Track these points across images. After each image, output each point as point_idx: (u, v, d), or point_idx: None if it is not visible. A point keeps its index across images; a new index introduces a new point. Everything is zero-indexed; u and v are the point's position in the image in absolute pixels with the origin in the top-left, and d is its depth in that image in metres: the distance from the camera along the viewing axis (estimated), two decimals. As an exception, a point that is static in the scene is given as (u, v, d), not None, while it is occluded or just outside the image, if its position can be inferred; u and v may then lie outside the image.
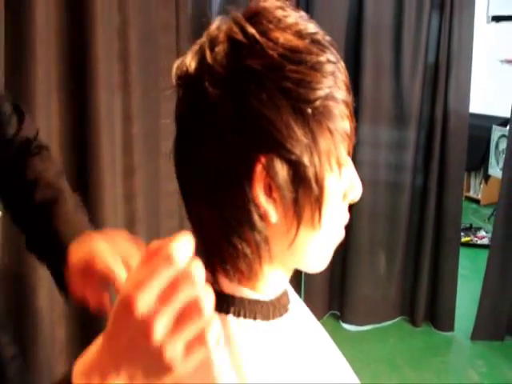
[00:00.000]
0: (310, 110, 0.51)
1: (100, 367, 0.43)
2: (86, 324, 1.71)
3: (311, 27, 0.54)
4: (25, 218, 0.90)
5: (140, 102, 1.89)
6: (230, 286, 0.57)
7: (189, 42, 2.07)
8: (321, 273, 0.61)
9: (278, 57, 0.51)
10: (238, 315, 0.57)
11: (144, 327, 0.40)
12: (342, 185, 0.57)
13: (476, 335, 2.69)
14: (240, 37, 0.52)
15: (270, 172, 0.52)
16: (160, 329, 0.40)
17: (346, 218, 0.60)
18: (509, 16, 4.83)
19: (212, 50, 0.53)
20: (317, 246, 0.58)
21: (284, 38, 0.52)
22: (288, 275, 0.62)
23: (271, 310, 0.59)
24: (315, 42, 0.53)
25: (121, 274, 0.74)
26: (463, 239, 3.68)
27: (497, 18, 4.97)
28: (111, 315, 0.42)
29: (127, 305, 0.40)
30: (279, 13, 0.54)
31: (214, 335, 0.41)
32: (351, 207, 0.59)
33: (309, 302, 1.68)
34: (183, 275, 0.40)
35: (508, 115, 2.95)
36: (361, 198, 0.61)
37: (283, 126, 0.51)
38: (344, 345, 0.77)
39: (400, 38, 2.59)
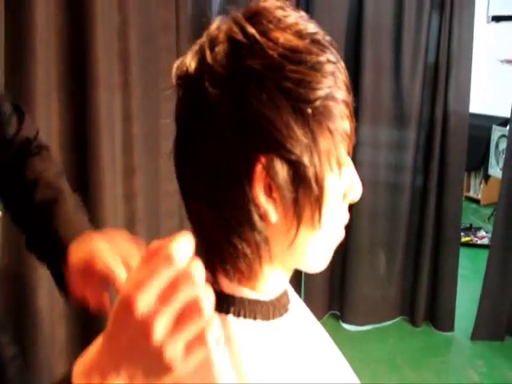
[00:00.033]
0: (310, 110, 0.51)
1: (100, 367, 0.43)
2: (86, 324, 1.71)
3: (311, 27, 0.54)
4: (25, 218, 0.90)
5: (140, 102, 1.89)
6: (230, 286, 0.57)
7: (189, 42, 2.07)
8: (321, 273, 0.61)
9: (277, 57, 0.51)
10: (238, 315, 0.57)
11: (144, 327, 0.40)
12: (341, 185, 0.57)
13: (476, 335, 2.69)
14: (240, 37, 0.52)
15: (270, 172, 0.52)
16: (160, 329, 0.40)
17: (346, 218, 0.60)
18: (509, 16, 4.83)
19: (212, 49, 0.53)
20: (317, 246, 0.58)
21: (284, 37, 0.52)
22: (288, 275, 0.62)
23: (271, 310, 0.59)
24: (315, 42, 0.53)
25: (121, 274, 0.74)
26: (463, 239, 3.67)
27: (497, 18, 4.97)
28: (111, 315, 0.42)
29: (127, 305, 0.40)
30: (279, 13, 0.54)
31: (213, 335, 0.41)
32: (351, 207, 0.59)
33: (309, 302, 1.68)
34: (183, 275, 0.40)
35: (508, 115, 2.94)
36: (361, 198, 0.61)
37: (283, 126, 0.51)
38: (344, 345, 0.77)
39: (400, 38, 2.59)
